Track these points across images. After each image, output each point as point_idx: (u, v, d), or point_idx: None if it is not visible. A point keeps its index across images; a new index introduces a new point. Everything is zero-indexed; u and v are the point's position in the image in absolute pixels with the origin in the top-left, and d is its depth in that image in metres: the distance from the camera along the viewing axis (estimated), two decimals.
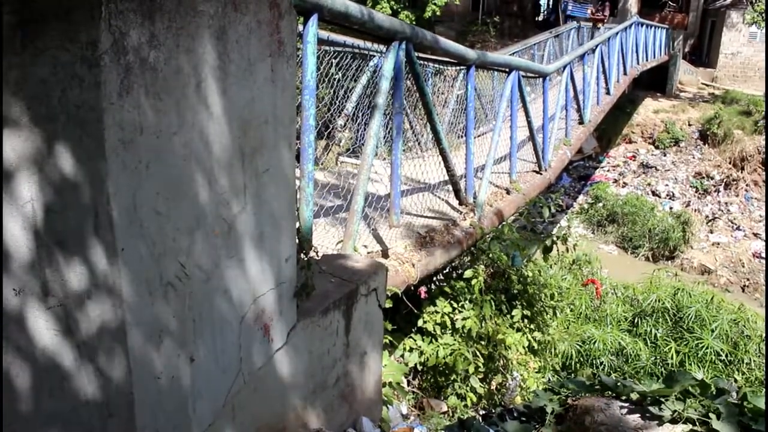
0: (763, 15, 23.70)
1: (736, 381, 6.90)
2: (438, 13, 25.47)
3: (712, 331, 7.45)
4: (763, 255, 16.45)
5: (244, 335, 2.19)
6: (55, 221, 1.70)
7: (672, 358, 7.31)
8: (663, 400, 2.56)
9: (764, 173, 19.52)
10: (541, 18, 36.05)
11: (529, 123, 7.35)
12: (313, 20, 3.19)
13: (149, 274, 1.78)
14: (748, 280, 15.69)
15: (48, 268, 1.74)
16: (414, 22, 23.57)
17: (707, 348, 7.29)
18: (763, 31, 25.61)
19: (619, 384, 2.90)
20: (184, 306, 1.90)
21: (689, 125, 22.17)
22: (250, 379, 2.26)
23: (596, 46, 12.52)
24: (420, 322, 4.92)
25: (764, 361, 7.29)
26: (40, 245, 1.73)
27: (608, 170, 21.25)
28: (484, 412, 4.96)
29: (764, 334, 7.55)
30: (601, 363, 7.34)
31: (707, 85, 27.83)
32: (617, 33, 15.15)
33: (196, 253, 1.92)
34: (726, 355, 7.29)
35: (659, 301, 8.01)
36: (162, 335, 1.85)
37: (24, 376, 1.85)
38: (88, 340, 1.77)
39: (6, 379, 1.85)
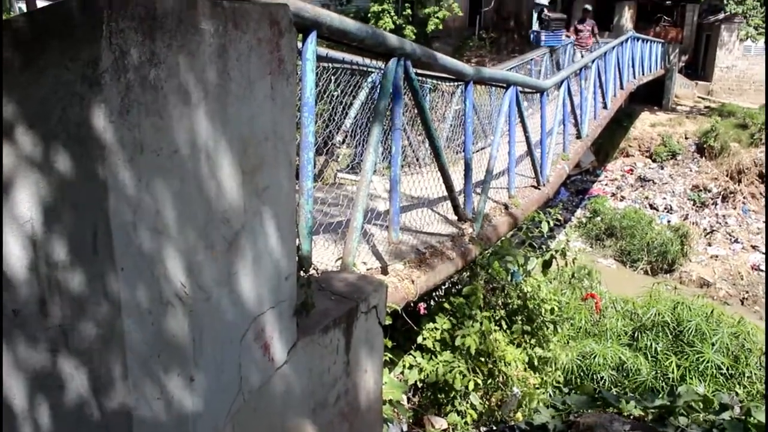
0: (759, 29, 23.86)
1: (737, 395, 6.87)
2: (440, 27, 25.68)
3: (713, 344, 7.43)
4: (762, 267, 16.45)
5: (244, 354, 2.17)
6: (54, 241, 1.69)
7: (673, 373, 7.28)
8: (666, 416, 2.55)
9: (762, 185, 19.56)
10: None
11: (527, 138, 7.37)
12: (312, 37, 3.20)
13: (149, 293, 1.76)
14: (747, 292, 15.68)
15: (47, 288, 1.73)
16: (416, 37, 23.74)
17: (708, 362, 7.26)
18: (757, 45, 25.82)
19: (621, 399, 2.88)
20: (184, 325, 1.89)
21: (686, 138, 22.25)
22: (250, 398, 2.24)
23: (593, 61, 12.58)
24: (420, 339, 4.90)
25: (765, 374, 7.26)
26: (39, 265, 1.72)
27: (606, 184, 21.29)
28: (485, 429, 4.93)
29: (764, 347, 7.53)
30: (602, 378, 7.31)
31: (703, 99, 27.98)
32: (613, 48, 15.22)
33: (196, 271, 1.90)
34: (727, 369, 7.26)
35: (659, 315, 7.99)
36: (162, 355, 1.83)
37: (21, 396, 1.83)
38: (86, 361, 1.75)
39: (3, 400, 1.83)
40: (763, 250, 17.24)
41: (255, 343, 2.22)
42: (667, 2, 29.78)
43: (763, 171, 19.67)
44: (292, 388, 2.48)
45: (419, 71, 5.24)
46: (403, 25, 25.16)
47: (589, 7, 18.18)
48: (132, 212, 1.68)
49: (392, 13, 25.03)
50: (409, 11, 26.04)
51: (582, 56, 15.30)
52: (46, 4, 2.14)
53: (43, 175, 1.65)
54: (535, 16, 36.55)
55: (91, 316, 1.71)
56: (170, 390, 1.87)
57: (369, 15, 25.21)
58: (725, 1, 24.26)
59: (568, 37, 17.97)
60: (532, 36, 18.89)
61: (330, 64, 5.55)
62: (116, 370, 1.74)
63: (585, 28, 17.23)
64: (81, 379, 1.78)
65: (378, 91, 4.26)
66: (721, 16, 28.17)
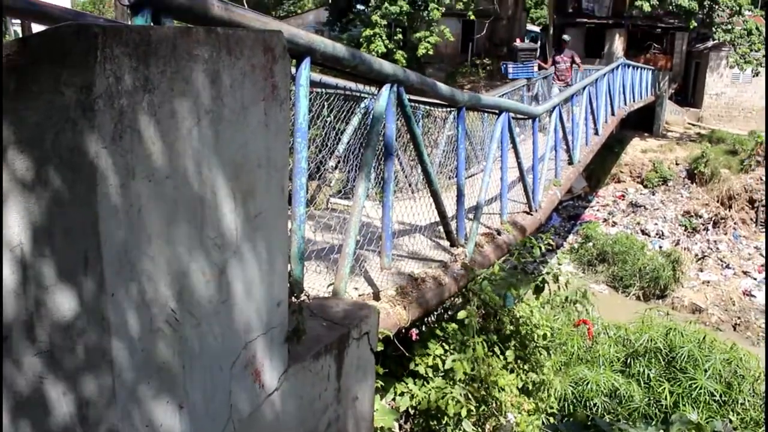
0: (746, 57, 24.16)
1: (731, 422, 6.84)
2: (430, 52, 25.88)
3: (706, 371, 7.41)
4: (753, 293, 16.49)
5: (234, 381, 2.15)
6: (44, 265, 1.68)
7: (666, 399, 7.25)
8: None
9: (752, 211, 19.69)
10: None
11: (519, 164, 7.40)
12: (306, 63, 3.22)
13: (139, 319, 1.75)
14: (739, 318, 15.69)
15: (36, 313, 1.71)
16: (407, 62, 23.91)
17: (701, 388, 7.24)
18: (745, 72, 26.13)
19: (614, 427, 2.86)
20: (174, 352, 1.87)
21: (677, 164, 22.43)
22: (240, 426, 2.21)
23: (584, 87, 12.69)
24: (411, 365, 4.87)
25: (759, 401, 7.24)
26: (28, 289, 1.70)
27: (598, 210, 21.38)
28: None
29: (764, 357, 7.52)
30: (595, 404, 7.28)
31: (693, 125, 28.24)
32: (604, 74, 15.36)
33: (187, 297, 1.89)
34: (720, 396, 7.24)
35: (651, 341, 7.98)
36: (151, 382, 1.81)
37: (6, 421, 1.80)
38: (75, 387, 1.73)
39: None
40: (754, 276, 17.30)
41: (245, 369, 2.20)
42: (657, 30, 30.19)
43: (754, 197, 19.82)
44: (282, 416, 2.45)
45: (412, 97, 5.27)
46: (394, 50, 25.38)
47: (567, 37, 16.82)
48: (123, 238, 1.67)
49: (384, 38, 25.25)
50: (400, 36, 26.30)
51: (559, 91, 13.46)
52: (42, 28, 2.15)
53: (34, 200, 1.64)
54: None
55: (80, 342, 1.70)
56: (159, 417, 1.85)
57: (361, 39, 25.45)
58: (713, 30, 24.58)
59: (543, 68, 16.46)
60: (502, 68, 16.92)
61: (323, 90, 5.58)
62: (104, 396, 1.72)
63: (563, 60, 15.55)
64: (68, 406, 1.75)
65: (371, 116, 4.28)
66: (710, 44, 28.55)
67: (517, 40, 17.24)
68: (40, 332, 1.72)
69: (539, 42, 33.58)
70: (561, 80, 15.27)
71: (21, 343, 1.74)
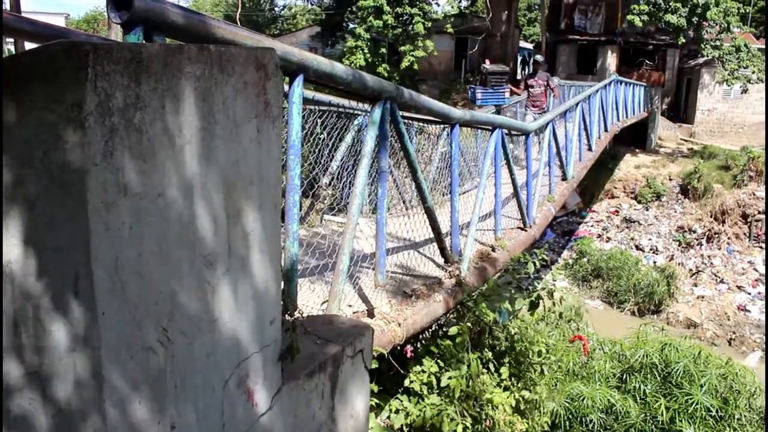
0: (734, 74, 24.39)
1: None
2: (415, 66, 26.06)
3: (702, 386, 7.38)
4: (748, 308, 16.51)
5: (227, 400, 2.13)
6: (34, 285, 1.66)
7: (662, 415, 7.22)
8: None
9: (745, 226, 19.77)
10: (521, 76, 36.83)
11: (513, 180, 7.42)
12: (299, 81, 3.22)
13: (130, 338, 1.73)
14: (734, 333, 15.69)
15: (24, 333, 1.69)
16: (390, 75, 24.02)
17: (697, 404, 7.20)
18: (734, 88, 26.36)
19: None
20: (165, 371, 1.85)
21: (670, 180, 22.55)
22: None
23: (577, 103, 12.75)
24: (406, 382, 4.84)
25: (755, 416, 7.22)
26: (17, 309, 1.68)
27: (592, 225, 21.44)
28: None
29: (765, 371, 7.50)
30: (591, 421, 7.23)
31: (686, 141, 28.45)
32: (597, 90, 15.44)
33: (178, 316, 1.87)
34: (716, 411, 7.21)
35: (647, 357, 7.95)
36: (142, 402, 1.79)
37: None
38: (64, 408, 1.71)
39: None
40: (749, 291, 17.32)
41: (238, 389, 2.18)
42: (649, 47, 30.44)
43: (747, 212, 19.91)
44: None
45: (405, 114, 5.28)
46: (377, 63, 25.55)
47: (540, 57, 15.05)
48: (114, 256, 1.66)
49: (365, 51, 25.39)
50: (384, 50, 26.49)
51: (534, 120, 11.59)
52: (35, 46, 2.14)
53: (23, 218, 1.62)
54: (519, 59, 37.17)
55: (70, 362, 1.67)
56: None
57: (344, 50, 25.64)
58: (702, 46, 24.81)
59: (515, 94, 14.48)
60: (470, 92, 14.73)
61: (316, 107, 5.59)
62: (94, 417, 1.69)
63: (537, 84, 13.70)
64: (57, 427, 1.73)
65: (364, 133, 4.28)
66: (701, 60, 28.81)
67: (487, 62, 14.69)
68: (29, 353, 1.70)
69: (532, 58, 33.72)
70: (535, 107, 13.56)
71: (9, 363, 1.71)
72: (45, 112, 1.57)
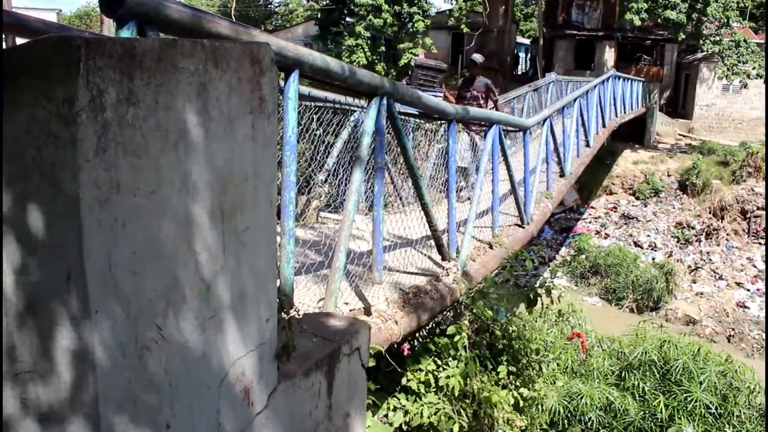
0: (734, 69, 24.39)
1: None
2: (412, 62, 26.09)
3: (701, 383, 7.37)
4: (746, 305, 16.52)
5: (223, 399, 2.11)
6: (26, 282, 1.64)
7: (661, 413, 7.20)
8: None
9: (744, 222, 19.77)
10: (519, 72, 36.84)
11: (511, 177, 7.40)
12: (294, 76, 3.19)
13: (124, 337, 1.71)
14: (733, 329, 15.72)
15: (16, 332, 1.67)
16: (387, 72, 24.02)
17: (696, 401, 7.19)
18: (734, 83, 26.38)
19: None
20: (160, 370, 1.83)
21: (668, 176, 22.54)
22: None
23: (575, 99, 12.73)
24: (404, 381, 4.82)
25: (755, 413, 7.21)
26: (9, 307, 1.66)
27: (590, 222, 21.44)
28: None
29: (765, 368, 7.49)
30: (589, 419, 7.21)
31: (684, 136, 28.44)
32: (595, 86, 15.42)
33: (173, 314, 1.85)
34: (716, 408, 7.20)
35: (646, 354, 7.93)
36: (136, 401, 1.77)
37: None
38: (58, 409, 1.69)
39: None
40: (748, 287, 17.33)
41: (234, 387, 2.16)
42: (647, 42, 30.43)
43: (746, 208, 19.92)
44: None
45: (402, 110, 5.25)
46: (376, 61, 25.55)
47: (478, 57, 10.17)
48: (107, 253, 1.64)
49: (366, 49, 25.40)
50: (383, 48, 26.48)
51: (473, 143, 8.23)
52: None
53: (15, 217, 1.60)
54: (522, 56, 37.10)
55: (62, 361, 1.65)
56: None
57: (343, 48, 25.62)
58: (702, 42, 24.80)
59: (448, 100, 9.65)
60: None
61: (312, 103, 5.56)
62: (88, 418, 1.67)
63: (474, 94, 9.56)
64: (51, 425, 1.71)
65: (361, 129, 4.26)
66: (700, 55, 28.81)
67: (421, 54, 10.33)
68: (22, 352, 1.68)
69: (529, 54, 33.64)
70: (474, 127, 8.33)
71: (2, 362, 1.69)
72: (36, 108, 1.55)
